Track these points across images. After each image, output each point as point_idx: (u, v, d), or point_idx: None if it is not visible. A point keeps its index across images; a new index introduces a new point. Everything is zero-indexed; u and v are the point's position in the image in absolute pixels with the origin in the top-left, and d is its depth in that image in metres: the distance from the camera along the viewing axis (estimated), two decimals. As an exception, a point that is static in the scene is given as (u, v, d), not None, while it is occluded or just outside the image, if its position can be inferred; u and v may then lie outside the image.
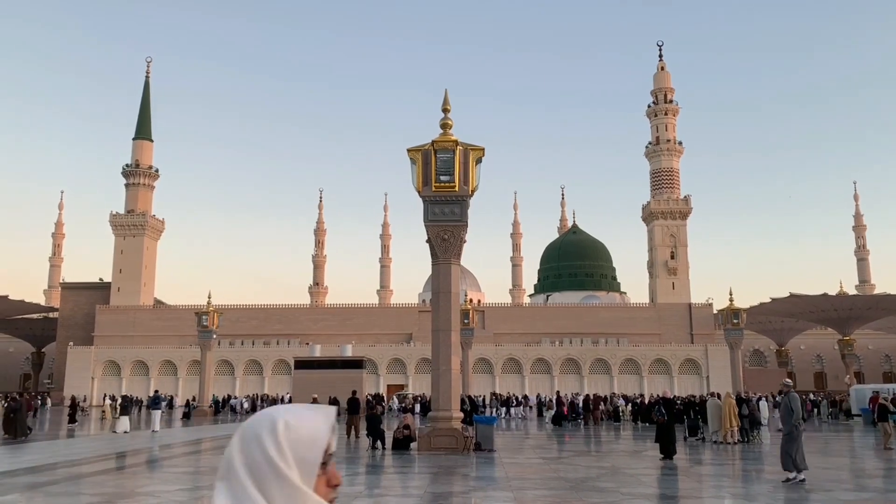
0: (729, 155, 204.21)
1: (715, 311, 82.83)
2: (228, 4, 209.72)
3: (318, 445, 1.39)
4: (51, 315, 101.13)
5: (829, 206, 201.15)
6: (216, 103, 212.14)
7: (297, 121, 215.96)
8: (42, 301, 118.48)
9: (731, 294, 48.18)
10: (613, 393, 60.55)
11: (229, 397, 63.96)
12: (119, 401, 42.55)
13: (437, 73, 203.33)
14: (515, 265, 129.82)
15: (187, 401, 55.45)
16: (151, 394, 40.88)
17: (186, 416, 50.02)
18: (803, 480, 13.37)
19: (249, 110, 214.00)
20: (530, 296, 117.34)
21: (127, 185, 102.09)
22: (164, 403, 45.39)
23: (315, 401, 26.08)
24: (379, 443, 21.28)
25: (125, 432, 29.96)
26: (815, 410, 48.46)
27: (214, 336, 52.28)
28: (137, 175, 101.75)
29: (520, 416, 47.17)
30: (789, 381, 15.55)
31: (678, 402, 32.94)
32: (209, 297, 53.55)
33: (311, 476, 1.37)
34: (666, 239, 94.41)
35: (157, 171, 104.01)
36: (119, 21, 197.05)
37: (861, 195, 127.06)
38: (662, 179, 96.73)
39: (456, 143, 21.53)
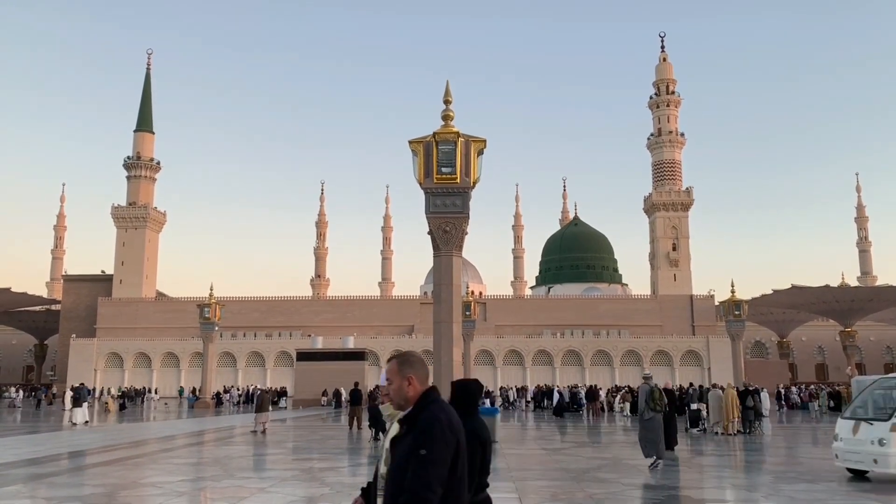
0: (731, 146, 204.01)
1: (716, 303, 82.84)
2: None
3: None
4: (53, 307, 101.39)
5: (832, 198, 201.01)
6: (217, 96, 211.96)
7: (298, 113, 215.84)
8: (44, 293, 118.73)
9: (732, 285, 48.12)
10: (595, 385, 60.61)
11: (225, 389, 64.15)
12: (71, 393, 41.53)
13: (439, 64, 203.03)
14: (517, 257, 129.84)
15: (106, 389, 52.90)
16: (77, 385, 38.06)
17: (122, 407, 49.00)
18: (657, 466, 14.56)
19: (251, 102, 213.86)
20: (532, 288, 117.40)
21: (128, 178, 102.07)
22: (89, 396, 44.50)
23: (255, 389, 26.33)
24: (381, 434, 21.35)
25: (85, 423, 29.69)
26: (814, 402, 48.49)
27: (216, 328, 52.39)
28: (139, 167, 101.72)
29: None
30: (649, 373, 17.00)
31: (683, 391, 32.95)
32: (211, 290, 53.63)
33: None
34: (667, 231, 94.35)
35: (158, 163, 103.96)
36: (120, 12, 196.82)
37: (863, 187, 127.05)
38: (664, 171, 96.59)
39: (457, 134, 21.45)
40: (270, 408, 27.67)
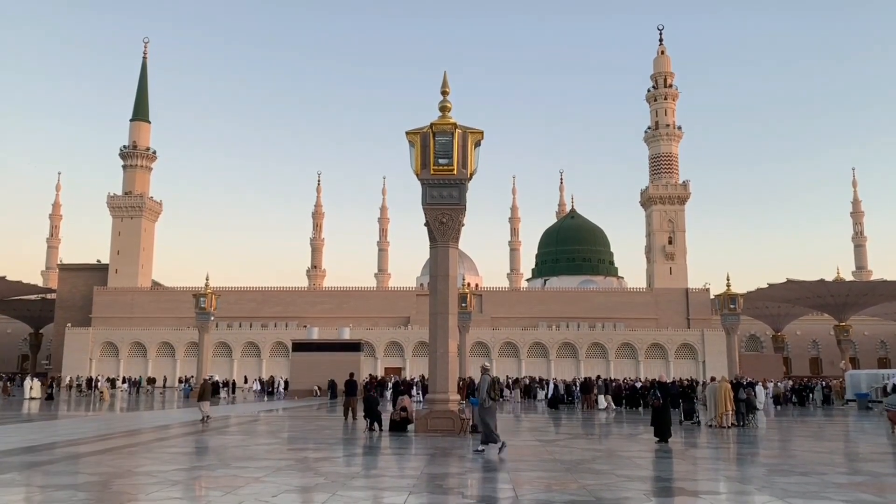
0: (727, 140, 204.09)
1: (712, 297, 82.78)
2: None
3: None
4: (48, 296, 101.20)
5: (828, 193, 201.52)
6: (214, 85, 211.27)
7: (295, 103, 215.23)
8: (40, 282, 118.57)
9: (728, 279, 48.28)
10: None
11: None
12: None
13: (436, 55, 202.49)
14: (513, 249, 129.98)
15: (51, 381, 50.07)
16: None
17: (50, 397, 47.19)
18: (501, 449, 15.27)
19: (247, 92, 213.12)
20: (528, 280, 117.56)
21: (124, 167, 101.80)
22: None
23: (205, 381, 26.97)
24: (376, 425, 21.39)
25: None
26: (810, 395, 48.65)
27: (212, 318, 52.47)
28: (135, 156, 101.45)
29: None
30: (487, 364, 18.37)
31: (680, 385, 33.04)
32: (207, 280, 53.62)
33: None
34: (664, 224, 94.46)
35: (154, 152, 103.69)
36: (117, 1, 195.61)
37: (859, 181, 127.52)
38: (661, 164, 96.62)
39: (455, 125, 21.43)
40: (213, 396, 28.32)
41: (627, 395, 39.63)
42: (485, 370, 17.41)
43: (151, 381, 67.58)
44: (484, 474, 12.87)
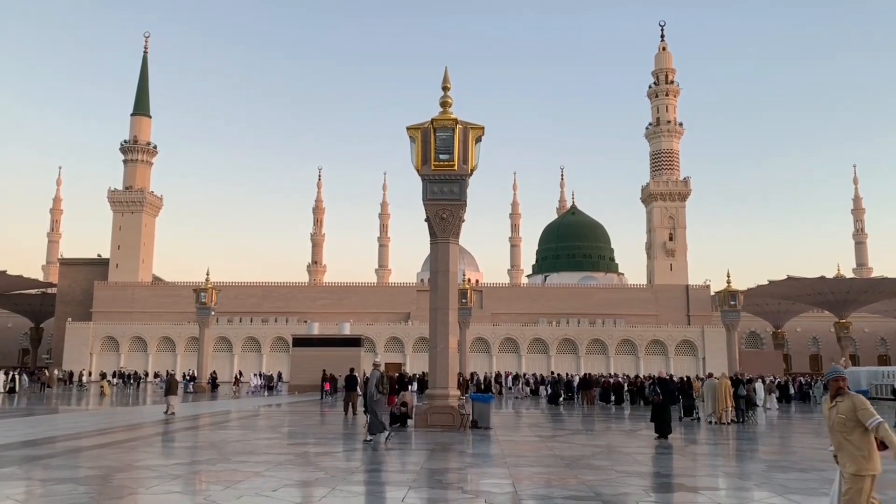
0: (728, 136, 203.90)
1: (712, 293, 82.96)
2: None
3: None
4: (49, 291, 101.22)
5: (829, 189, 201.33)
6: (215, 80, 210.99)
7: (296, 98, 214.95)
8: (40, 277, 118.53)
9: (728, 276, 48.24)
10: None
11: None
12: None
13: (438, 51, 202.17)
14: (514, 245, 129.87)
15: (12, 374, 47.83)
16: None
17: (12, 390, 45.15)
18: (389, 437, 16.79)
19: (249, 87, 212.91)
20: (528, 276, 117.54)
21: (125, 162, 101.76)
22: None
23: (171, 377, 28.08)
24: (376, 420, 21.40)
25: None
26: (810, 392, 48.51)
27: (213, 313, 52.40)
28: (136, 151, 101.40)
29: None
30: (378, 360, 19.83)
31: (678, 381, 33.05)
32: (207, 275, 53.61)
33: None
34: (665, 220, 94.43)
35: (155, 147, 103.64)
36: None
37: (860, 178, 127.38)
38: (662, 161, 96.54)
39: (456, 121, 21.39)
40: (179, 391, 29.45)
41: (612, 391, 39.75)
42: (375, 366, 18.47)
43: (135, 375, 66.82)
44: (483, 469, 12.89)
